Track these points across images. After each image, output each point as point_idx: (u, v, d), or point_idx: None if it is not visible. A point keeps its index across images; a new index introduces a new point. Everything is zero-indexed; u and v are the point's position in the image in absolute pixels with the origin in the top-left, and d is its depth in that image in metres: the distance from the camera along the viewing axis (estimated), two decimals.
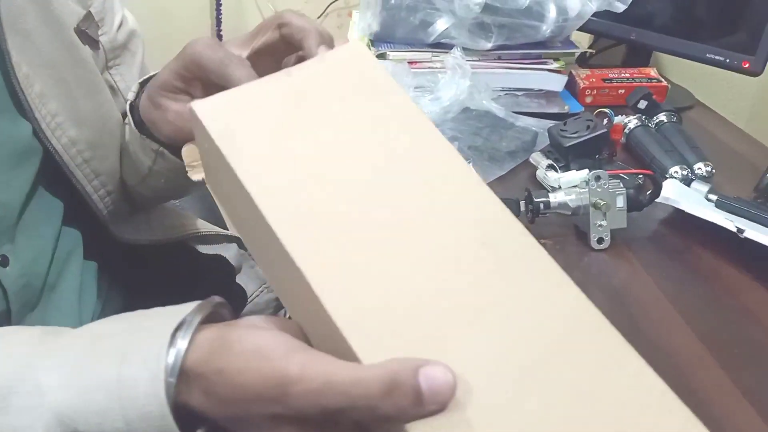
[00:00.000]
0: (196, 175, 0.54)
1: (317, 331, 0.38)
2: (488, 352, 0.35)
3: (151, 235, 0.74)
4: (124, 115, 0.66)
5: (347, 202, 0.39)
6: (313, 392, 0.33)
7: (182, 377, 0.36)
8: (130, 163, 0.68)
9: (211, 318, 0.40)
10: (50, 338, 0.41)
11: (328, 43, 0.51)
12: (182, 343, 0.37)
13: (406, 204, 0.40)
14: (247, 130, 0.41)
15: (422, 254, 0.38)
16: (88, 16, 0.66)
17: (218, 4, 1.44)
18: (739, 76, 1.14)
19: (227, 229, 0.88)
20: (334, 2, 1.47)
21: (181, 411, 0.36)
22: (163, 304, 0.41)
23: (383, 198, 0.40)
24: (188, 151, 0.56)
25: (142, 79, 0.64)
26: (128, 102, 0.63)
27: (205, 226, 0.82)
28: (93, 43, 0.67)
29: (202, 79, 0.55)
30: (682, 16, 1.24)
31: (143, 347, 0.37)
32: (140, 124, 0.62)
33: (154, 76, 0.60)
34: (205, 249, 0.80)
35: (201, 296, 0.41)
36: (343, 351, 0.35)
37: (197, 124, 0.42)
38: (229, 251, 0.82)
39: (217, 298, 0.41)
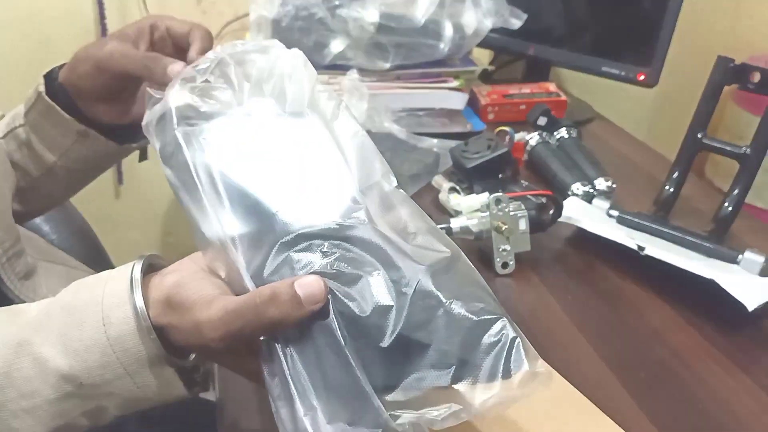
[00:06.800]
0: None
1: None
2: None
3: None
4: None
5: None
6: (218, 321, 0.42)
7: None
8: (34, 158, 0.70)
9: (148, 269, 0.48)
10: (22, 317, 0.47)
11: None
12: (140, 302, 0.45)
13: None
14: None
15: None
16: None
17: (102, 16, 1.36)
18: (638, 87, 1.16)
19: None
20: (229, 24, 1.42)
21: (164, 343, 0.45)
22: None
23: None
24: None
25: (46, 72, 0.68)
26: (41, 93, 0.66)
27: None
28: None
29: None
30: (577, 30, 1.26)
31: (116, 311, 0.45)
32: (70, 107, 0.66)
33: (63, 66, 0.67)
34: None
35: None
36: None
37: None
38: None
39: (146, 254, 0.49)
